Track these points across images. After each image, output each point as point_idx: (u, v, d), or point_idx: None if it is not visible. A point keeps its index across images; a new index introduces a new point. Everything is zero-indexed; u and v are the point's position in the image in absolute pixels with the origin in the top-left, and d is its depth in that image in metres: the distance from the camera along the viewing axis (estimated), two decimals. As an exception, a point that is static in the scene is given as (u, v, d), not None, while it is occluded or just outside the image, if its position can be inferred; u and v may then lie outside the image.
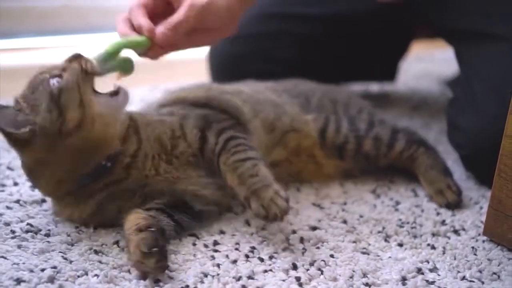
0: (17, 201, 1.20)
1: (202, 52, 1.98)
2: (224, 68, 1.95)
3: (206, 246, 1.09)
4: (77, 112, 1.04)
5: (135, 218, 1.03)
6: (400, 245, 1.13)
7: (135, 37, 1.19)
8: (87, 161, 1.08)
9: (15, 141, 1.05)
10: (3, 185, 1.28)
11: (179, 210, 1.12)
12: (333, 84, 1.64)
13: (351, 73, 2.01)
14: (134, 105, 1.50)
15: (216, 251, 1.07)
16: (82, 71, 1.07)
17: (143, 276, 0.97)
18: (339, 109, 1.43)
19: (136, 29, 1.20)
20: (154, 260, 0.95)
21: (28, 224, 1.11)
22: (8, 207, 1.18)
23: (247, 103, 1.32)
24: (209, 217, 1.17)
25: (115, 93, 1.10)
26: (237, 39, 1.91)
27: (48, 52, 2.50)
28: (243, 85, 1.47)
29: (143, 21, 1.19)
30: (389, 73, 2.07)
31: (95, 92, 1.09)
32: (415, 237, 1.16)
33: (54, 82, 1.05)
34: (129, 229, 1.01)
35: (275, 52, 1.88)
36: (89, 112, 1.05)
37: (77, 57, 1.10)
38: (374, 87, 2.19)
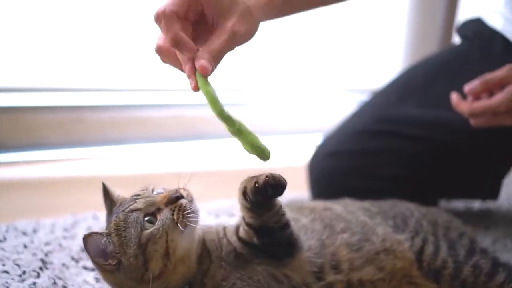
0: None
1: (299, 161, 2.04)
2: (322, 182, 1.99)
3: None
4: (160, 262, 1.11)
5: None
6: None
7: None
8: None
9: (99, 268, 1.14)
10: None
11: None
12: (431, 201, 1.63)
13: (451, 191, 1.99)
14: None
15: None
16: (174, 224, 1.12)
17: None
18: (439, 232, 1.41)
19: (172, 43, 1.12)
20: None
21: None
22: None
23: (318, 221, 1.33)
24: None
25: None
26: (337, 154, 1.97)
27: (155, 158, 2.65)
28: (336, 203, 1.50)
29: (183, 37, 1.11)
30: (492, 192, 2.03)
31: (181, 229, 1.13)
32: None
33: (145, 225, 1.11)
34: None
35: (375, 169, 1.90)
36: (173, 260, 1.12)
37: (173, 201, 1.14)
38: (476, 204, 2.15)
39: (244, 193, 1.14)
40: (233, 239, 1.21)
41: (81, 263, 1.52)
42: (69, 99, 2.58)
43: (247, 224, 1.18)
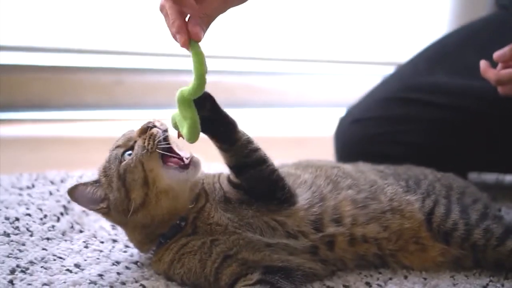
0: (136, 262, 1.30)
1: (326, 131, 2.04)
2: (348, 148, 1.99)
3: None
4: (141, 191, 1.16)
5: None
6: None
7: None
8: (160, 226, 1.21)
9: (98, 212, 1.22)
10: (127, 246, 1.38)
11: (277, 275, 1.16)
12: (460, 173, 1.61)
13: (481, 163, 1.96)
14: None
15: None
16: (147, 153, 1.17)
17: None
18: (452, 196, 1.40)
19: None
20: None
21: (141, 285, 1.19)
22: (127, 267, 1.28)
23: (322, 177, 1.34)
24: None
25: (186, 166, 1.19)
26: (363, 120, 1.96)
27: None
28: (348, 164, 1.51)
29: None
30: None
31: (165, 164, 1.18)
32: None
33: (125, 158, 1.18)
34: None
35: (401, 135, 1.89)
36: (154, 190, 1.16)
37: (144, 131, 1.20)
38: (507, 177, 2.10)
39: None
40: (224, 183, 1.26)
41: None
42: (109, 61, 2.65)
43: (228, 166, 1.23)
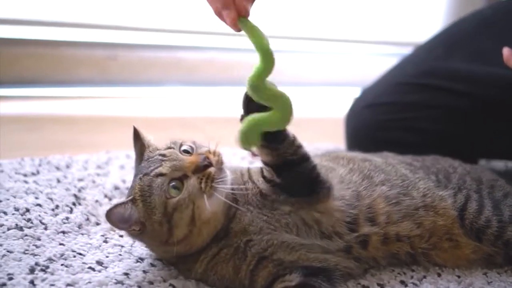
0: (161, 259, 1.24)
1: (337, 112, 1.99)
2: (359, 133, 1.94)
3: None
4: (186, 230, 1.09)
5: None
6: None
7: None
8: (194, 248, 1.15)
9: (127, 232, 1.14)
10: (148, 241, 1.32)
11: (319, 277, 1.12)
12: (471, 160, 1.58)
13: (493, 151, 1.93)
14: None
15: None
16: (201, 193, 1.09)
17: None
18: (483, 190, 1.37)
19: None
20: None
21: (171, 285, 1.14)
22: (152, 264, 1.21)
23: (356, 172, 1.30)
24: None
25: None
26: (376, 105, 1.91)
27: (189, 102, 2.61)
28: (376, 155, 1.46)
29: None
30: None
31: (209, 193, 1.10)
32: None
33: (170, 191, 1.08)
34: None
35: (415, 122, 1.85)
36: (198, 224, 1.09)
37: (201, 170, 1.10)
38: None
39: None
40: (259, 180, 1.19)
41: (114, 201, 1.51)
42: (105, 36, 2.55)
43: (266, 164, 1.16)
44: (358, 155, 1.44)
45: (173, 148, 1.16)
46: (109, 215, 1.07)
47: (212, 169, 1.10)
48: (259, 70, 1.04)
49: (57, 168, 1.66)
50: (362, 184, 1.27)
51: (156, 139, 1.21)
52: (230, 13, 1.07)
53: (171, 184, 1.09)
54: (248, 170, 1.24)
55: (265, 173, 1.18)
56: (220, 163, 1.13)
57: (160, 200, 1.08)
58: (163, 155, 1.13)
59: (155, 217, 1.08)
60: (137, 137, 1.22)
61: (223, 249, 1.13)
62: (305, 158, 1.16)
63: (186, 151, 1.15)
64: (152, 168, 1.11)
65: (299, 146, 1.15)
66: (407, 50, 2.16)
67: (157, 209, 1.08)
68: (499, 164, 2.05)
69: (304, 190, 1.17)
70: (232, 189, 1.13)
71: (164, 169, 1.10)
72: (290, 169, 1.15)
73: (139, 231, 1.10)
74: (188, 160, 1.11)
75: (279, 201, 1.17)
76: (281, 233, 1.14)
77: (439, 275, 1.27)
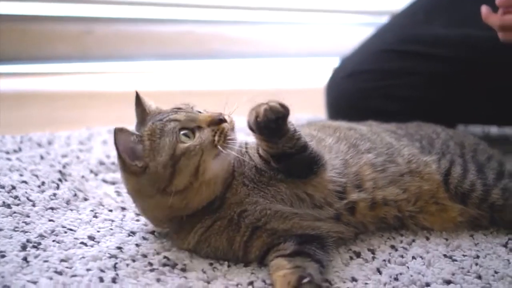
0: (152, 232, 1.24)
1: (317, 83, 1.99)
2: (340, 102, 1.95)
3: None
4: (187, 179, 1.08)
5: (283, 276, 1.04)
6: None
7: None
8: (188, 210, 1.13)
9: (124, 166, 1.10)
10: (138, 214, 1.31)
11: (313, 245, 1.12)
12: (449, 125, 1.59)
13: (471, 116, 1.95)
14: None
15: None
16: (212, 145, 1.09)
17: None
18: (467, 154, 1.39)
19: None
20: None
21: (165, 257, 1.14)
22: (144, 238, 1.21)
23: (343, 141, 1.31)
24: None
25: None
26: (357, 74, 1.92)
27: (167, 76, 2.59)
28: (361, 124, 1.47)
29: None
30: (511, 118, 2.00)
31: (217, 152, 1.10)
32: (555, 299, 1.11)
33: (181, 137, 1.08)
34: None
35: (396, 89, 1.86)
36: (200, 179, 1.09)
37: (215, 122, 1.11)
38: (493, 130, 2.12)
39: (250, 127, 1.11)
40: (255, 156, 1.19)
41: (100, 176, 1.51)
42: (81, 10, 2.50)
43: (264, 151, 1.16)
44: (343, 124, 1.45)
45: (187, 106, 1.17)
46: (118, 133, 1.07)
47: (226, 125, 1.12)
48: None
49: (39, 145, 1.65)
50: (349, 152, 1.28)
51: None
52: None
53: (182, 132, 1.09)
54: (246, 143, 1.23)
55: (261, 153, 1.18)
56: (232, 124, 1.14)
57: (170, 142, 1.08)
58: (178, 108, 1.15)
59: (161, 158, 1.08)
60: (139, 102, 1.21)
61: (217, 221, 1.13)
62: (304, 147, 1.15)
63: (199, 112, 1.16)
64: (166, 115, 1.12)
65: (299, 138, 1.14)
66: (384, 19, 2.16)
67: (165, 151, 1.08)
68: (477, 130, 2.07)
69: (302, 172, 1.17)
70: (239, 153, 1.15)
71: (179, 116, 1.12)
72: (288, 159, 1.15)
73: (141, 168, 1.08)
74: (203, 114, 1.14)
75: (276, 178, 1.17)
76: (274, 204, 1.15)
77: (427, 238, 1.30)
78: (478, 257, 1.24)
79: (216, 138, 1.09)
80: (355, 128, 1.40)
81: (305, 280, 1.01)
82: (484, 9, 1.51)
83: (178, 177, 1.08)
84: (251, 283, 1.08)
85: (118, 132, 1.07)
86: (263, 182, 1.16)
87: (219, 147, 1.09)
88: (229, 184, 1.15)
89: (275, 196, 1.16)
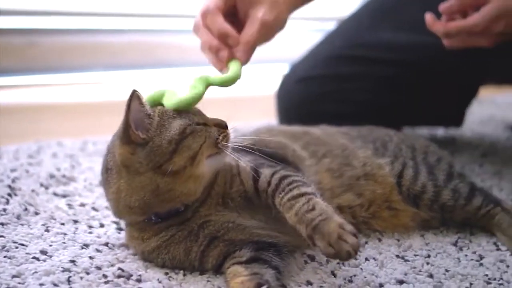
0: (106, 244, 1.22)
1: (267, 89, 2.00)
2: (292, 108, 1.97)
3: (296, 297, 1.09)
4: (184, 161, 1.07)
5: (241, 283, 1.04)
6: (490, 302, 1.11)
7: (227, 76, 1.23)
8: (165, 203, 1.11)
9: (125, 133, 1.07)
10: (90, 227, 1.30)
11: (270, 252, 1.12)
12: (396, 127, 1.63)
13: (418, 118, 2.00)
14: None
15: (306, 303, 1.07)
16: (214, 141, 1.11)
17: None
18: (418, 157, 1.41)
19: (219, 36, 1.28)
20: None
21: (119, 268, 1.12)
22: (98, 250, 1.20)
23: (310, 145, 1.34)
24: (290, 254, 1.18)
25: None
26: (308, 79, 1.94)
27: (118, 86, 2.56)
28: (314, 128, 1.48)
29: (229, 29, 1.28)
30: (457, 119, 2.05)
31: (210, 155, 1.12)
32: (504, 294, 1.14)
33: (193, 126, 1.10)
34: None
35: (346, 93, 1.90)
36: (191, 169, 1.08)
37: (221, 126, 1.15)
38: (440, 131, 2.17)
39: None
40: (249, 183, 1.16)
41: (51, 190, 1.48)
42: (23, 22, 2.46)
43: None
44: (297, 128, 1.46)
45: None
46: (135, 99, 1.06)
47: (230, 133, 1.15)
48: (220, 78, 1.21)
49: (-16, 159, 1.61)
50: (309, 160, 1.30)
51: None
52: (224, 53, 1.27)
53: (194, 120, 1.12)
54: (238, 166, 1.19)
55: (259, 187, 1.16)
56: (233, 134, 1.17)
57: (183, 121, 1.09)
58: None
59: (170, 134, 1.07)
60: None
61: (178, 232, 1.12)
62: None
63: None
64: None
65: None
66: (331, 26, 2.19)
67: (176, 128, 1.08)
68: (424, 132, 2.12)
69: None
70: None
71: (192, 111, 1.15)
72: None
73: (142, 140, 1.06)
74: (210, 117, 1.16)
75: (261, 206, 1.16)
76: (242, 219, 1.15)
77: (379, 240, 1.32)
78: (429, 256, 1.27)
79: (220, 137, 1.12)
80: (308, 131, 1.42)
81: (263, 287, 1.01)
82: (429, 16, 1.55)
83: (178, 156, 1.07)
84: (207, 291, 1.08)
85: (135, 98, 1.06)
86: (246, 208, 1.16)
87: (219, 146, 1.11)
88: (204, 200, 1.14)
89: (252, 216, 1.16)
